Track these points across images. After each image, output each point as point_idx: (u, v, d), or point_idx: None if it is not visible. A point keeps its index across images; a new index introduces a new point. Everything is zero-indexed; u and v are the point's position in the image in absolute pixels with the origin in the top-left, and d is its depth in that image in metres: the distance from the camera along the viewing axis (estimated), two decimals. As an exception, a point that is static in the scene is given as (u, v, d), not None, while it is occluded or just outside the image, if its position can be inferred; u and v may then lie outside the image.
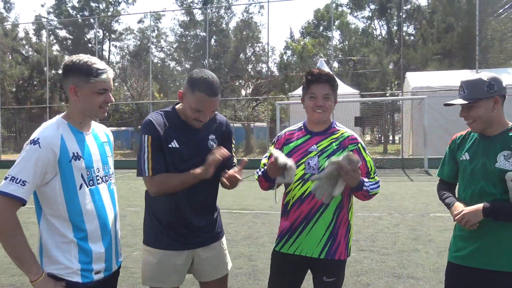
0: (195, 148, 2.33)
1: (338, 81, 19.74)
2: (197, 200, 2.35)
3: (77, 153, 1.95)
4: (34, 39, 43.39)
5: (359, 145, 2.42)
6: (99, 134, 2.17)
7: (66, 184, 1.92)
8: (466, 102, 2.16)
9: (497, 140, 2.19)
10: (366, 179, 2.32)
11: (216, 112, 2.44)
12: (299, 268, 2.44)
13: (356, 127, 18.80)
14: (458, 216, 2.14)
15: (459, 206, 2.21)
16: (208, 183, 2.33)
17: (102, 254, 2.02)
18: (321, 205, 2.32)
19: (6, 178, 1.83)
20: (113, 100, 2.08)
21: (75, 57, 1.98)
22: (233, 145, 2.54)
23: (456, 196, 2.35)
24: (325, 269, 2.36)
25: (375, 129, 31.52)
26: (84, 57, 1.98)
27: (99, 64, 1.97)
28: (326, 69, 22.51)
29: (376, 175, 2.42)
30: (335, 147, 2.38)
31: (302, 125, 2.55)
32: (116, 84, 34.28)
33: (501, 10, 26.65)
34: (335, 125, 2.49)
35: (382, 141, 31.21)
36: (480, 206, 2.09)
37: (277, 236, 2.51)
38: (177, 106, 2.40)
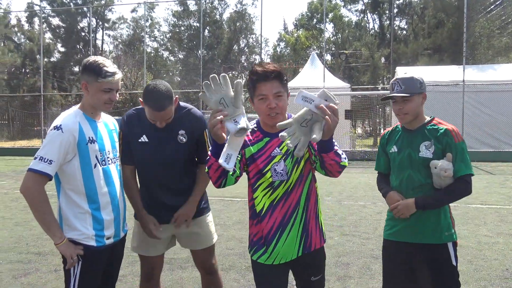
0: (164, 142, 2.63)
1: (329, 74, 19.84)
2: (168, 186, 2.68)
3: (92, 137, 2.33)
4: (26, 26, 43.12)
5: None
6: (108, 122, 2.55)
7: (83, 163, 2.29)
8: (407, 94, 2.45)
9: (418, 132, 2.51)
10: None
11: (191, 107, 2.71)
12: (281, 274, 2.30)
13: (347, 120, 19.18)
14: (394, 208, 2.48)
15: (393, 196, 2.51)
16: (179, 173, 2.67)
17: (111, 223, 2.39)
18: (295, 207, 2.20)
19: (35, 158, 2.20)
20: (117, 98, 2.42)
21: (92, 58, 2.34)
22: (206, 138, 2.71)
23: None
24: (307, 266, 2.29)
25: (365, 122, 31.96)
26: (99, 59, 2.34)
27: (110, 67, 2.32)
28: (318, 62, 22.64)
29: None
30: None
31: (256, 127, 2.27)
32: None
33: (490, 8, 27.12)
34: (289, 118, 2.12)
35: (372, 134, 31.68)
36: (412, 200, 2.41)
37: (250, 242, 2.32)
38: None
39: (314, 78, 20.25)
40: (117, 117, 3.12)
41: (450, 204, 2.55)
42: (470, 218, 6.56)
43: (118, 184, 2.48)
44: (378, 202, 8.14)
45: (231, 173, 2.09)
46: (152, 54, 39.42)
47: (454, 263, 2.44)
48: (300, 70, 35.38)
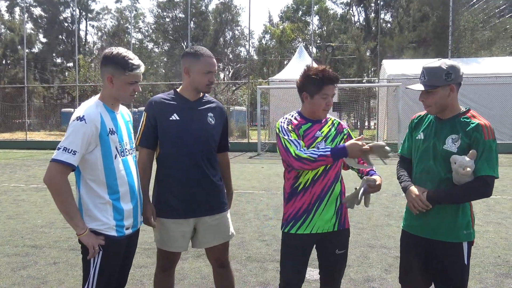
0: (195, 121, 2.71)
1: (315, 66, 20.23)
2: (196, 175, 2.70)
3: (112, 128, 2.33)
4: (6, 16, 42.07)
5: (348, 129, 2.77)
6: (124, 114, 2.54)
7: (105, 153, 2.29)
8: (424, 89, 2.37)
9: (448, 123, 2.40)
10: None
11: (213, 98, 2.92)
12: (310, 246, 2.65)
13: (334, 112, 19.32)
14: (413, 207, 2.42)
15: (413, 191, 2.43)
16: (208, 159, 2.74)
17: (130, 213, 2.40)
18: (332, 183, 2.59)
19: (59, 149, 2.19)
20: (140, 90, 2.45)
21: (115, 50, 2.33)
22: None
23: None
24: (337, 241, 2.62)
25: (352, 115, 32.24)
26: (122, 51, 2.33)
27: (134, 60, 2.33)
28: (306, 55, 22.72)
29: None
30: (334, 132, 2.67)
31: (297, 114, 2.71)
32: (92, 65, 33.79)
33: (473, 1, 27.51)
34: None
35: (358, 126, 31.99)
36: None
37: (286, 219, 2.63)
38: (178, 89, 2.82)
39: (302, 70, 20.25)
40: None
41: None
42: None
43: (135, 175, 2.49)
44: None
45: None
46: (136, 46, 38.96)
47: (466, 262, 2.40)
48: (286, 62, 35.44)
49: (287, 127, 2.58)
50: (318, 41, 41.32)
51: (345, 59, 38.43)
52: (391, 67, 20.22)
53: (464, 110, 2.43)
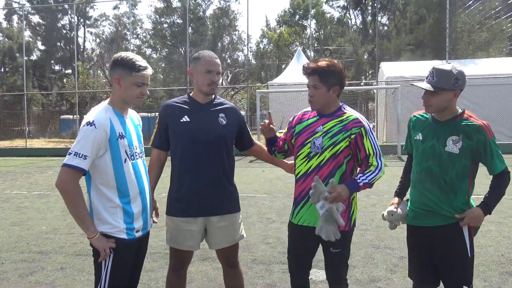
0: (206, 122, 2.78)
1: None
2: (206, 176, 2.75)
3: (121, 133, 2.37)
4: (4, 24, 42.16)
5: (362, 128, 2.56)
6: (134, 118, 2.59)
7: (114, 158, 2.33)
8: (432, 89, 2.40)
9: (447, 125, 2.46)
10: (360, 174, 2.54)
11: (226, 100, 3.00)
12: (310, 239, 2.65)
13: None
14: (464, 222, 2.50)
15: (392, 201, 2.77)
16: (218, 160, 2.78)
17: (140, 215, 2.44)
18: (324, 179, 2.54)
19: (70, 154, 2.23)
20: (148, 93, 2.51)
21: (123, 54, 2.40)
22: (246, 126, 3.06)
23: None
24: (330, 240, 2.54)
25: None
26: (130, 55, 2.39)
27: (141, 62, 2.39)
28: (304, 58, 22.79)
29: (377, 158, 2.57)
30: (338, 129, 2.59)
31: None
32: (90, 71, 33.82)
33: (469, 3, 27.68)
34: (343, 108, 2.70)
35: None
36: (479, 211, 2.48)
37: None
38: (191, 94, 2.90)
39: (300, 74, 20.03)
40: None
41: None
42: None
43: (145, 178, 2.53)
44: (371, 195, 8.30)
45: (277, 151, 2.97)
46: (135, 52, 38.92)
47: (468, 250, 2.50)
48: (283, 66, 35.52)
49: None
50: (316, 45, 41.48)
51: (343, 62, 38.51)
52: (389, 69, 20.27)
53: (461, 111, 2.49)
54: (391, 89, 18.01)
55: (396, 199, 2.78)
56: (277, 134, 2.93)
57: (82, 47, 41.54)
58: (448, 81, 2.40)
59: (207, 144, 2.75)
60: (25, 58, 36.45)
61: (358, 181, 2.52)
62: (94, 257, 2.35)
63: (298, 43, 44.82)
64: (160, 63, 43.95)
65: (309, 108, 2.80)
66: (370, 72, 36.94)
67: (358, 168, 2.65)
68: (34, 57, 41.22)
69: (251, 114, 36.25)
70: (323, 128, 2.64)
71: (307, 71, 2.66)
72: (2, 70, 39.05)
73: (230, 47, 44.46)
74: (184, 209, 2.77)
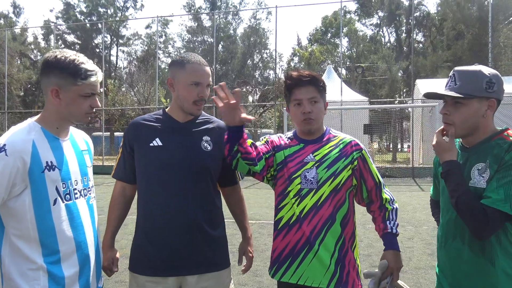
0: (184, 147, 2.05)
1: (347, 88, 19.52)
2: (180, 220, 2.01)
3: (51, 162, 1.67)
4: (42, 43, 43.68)
5: (363, 152, 2.12)
6: (78, 141, 1.88)
7: (37, 198, 1.63)
8: (457, 95, 1.66)
9: (474, 151, 1.71)
10: (387, 221, 2.10)
11: (212, 117, 2.22)
12: None
13: (365, 134, 18.46)
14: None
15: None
16: (199, 199, 2.04)
17: (75, 278, 1.72)
18: (325, 222, 2.00)
19: None
20: (99, 105, 1.81)
21: (59, 53, 1.71)
22: None
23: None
24: None
25: (384, 137, 31.16)
26: (70, 54, 1.71)
27: (87, 64, 1.71)
28: (334, 75, 22.23)
29: (385, 188, 2.14)
30: (335, 156, 2.06)
31: (292, 135, 2.21)
32: (123, 89, 34.20)
33: (513, 17, 26.29)
34: (330, 132, 2.19)
35: (391, 149, 30.82)
36: None
37: (271, 261, 2.13)
38: (167, 109, 2.19)
39: (331, 91, 19.70)
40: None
41: None
42: None
43: (88, 224, 1.81)
44: (407, 226, 7.37)
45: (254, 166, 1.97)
46: (166, 70, 39.43)
47: None
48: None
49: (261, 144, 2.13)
50: (348, 62, 40.67)
51: (376, 80, 37.47)
52: (426, 87, 19.25)
53: (500, 130, 1.71)
54: (428, 108, 17.00)
55: None
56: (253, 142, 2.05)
57: (114, 65, 42.41)
58: (478, 84, 1.65)
59: (185, 176, 2.02)
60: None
61: (394, 232, 2.09)
62: None
63: (330, 61, 44.21)
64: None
65: (285, 135, 2.22)
66: (404, 90, 35.68)
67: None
68: (41, 67, 42.76)
69: (281, 132, 35.64)
70: (314, 157, 2.07)
71: (303, 79, 2.06)
72: (39, 87, 40.22)
73: (261, 65, 44.36)
74: (150, 265, 2.02)
